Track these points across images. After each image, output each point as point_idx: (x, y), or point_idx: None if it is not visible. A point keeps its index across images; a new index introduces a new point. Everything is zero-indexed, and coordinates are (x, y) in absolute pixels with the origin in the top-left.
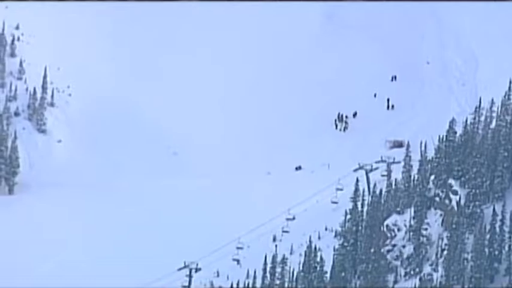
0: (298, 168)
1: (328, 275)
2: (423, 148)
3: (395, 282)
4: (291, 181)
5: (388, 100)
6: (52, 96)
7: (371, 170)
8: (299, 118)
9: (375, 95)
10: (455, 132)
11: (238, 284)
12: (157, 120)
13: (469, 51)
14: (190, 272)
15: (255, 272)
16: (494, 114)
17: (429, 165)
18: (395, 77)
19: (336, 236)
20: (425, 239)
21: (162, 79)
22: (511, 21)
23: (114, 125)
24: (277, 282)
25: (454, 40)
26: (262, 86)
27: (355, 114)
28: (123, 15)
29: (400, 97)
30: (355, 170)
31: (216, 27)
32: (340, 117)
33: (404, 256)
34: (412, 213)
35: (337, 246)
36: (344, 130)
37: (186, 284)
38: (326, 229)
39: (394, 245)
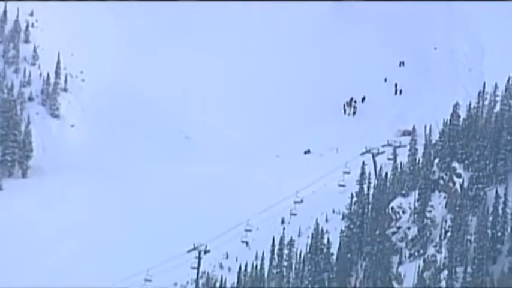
0: (307, 152)
1: (334, 256)
2: (428, 132)
3: (400, 263)
4: (300, 164)
5: (396, 85)
6: (65, 81)
7: (377, 154)
8: (308, 103)
9: (385, 80)
10: (459, 116)
11: (246, 266)
12: (169, 104)
13: (477, 38)
14: (199, 253)
15: (263, 254)
16: (498, 99)
17: (434, 149)
18: (403, 63)
19: (342, 218)
20: (429, 221)
21: (174, 65)
22: None
23: (126, 109)
24: (285, 263)
25: (462, 27)
26: (273, 72)
27: (363, 99)
28: (136, 2)
29: (408, 82)
30: (362, 154)
31: (229, 14)
32: (348, 102)
33: (409, 238)
34: (417, 196)
35: (343, 229)
36: (353, 115)
37: (195, 265)
38: (333, 212)
39: (399, 227)
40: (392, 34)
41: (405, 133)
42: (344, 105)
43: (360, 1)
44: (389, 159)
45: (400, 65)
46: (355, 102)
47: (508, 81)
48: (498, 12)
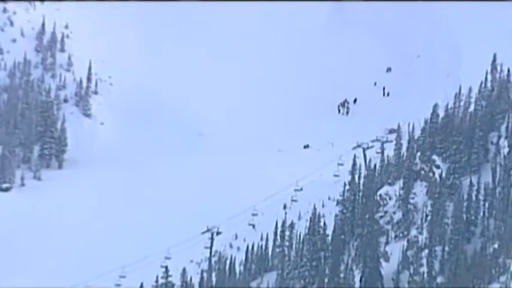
0: (306, 146)
1: (329, 237)
2: (411, 129)
3: (387, 243)
4: (300, 157)
5: (384, 88)
6: (96, 85)
7: (367, 148)
8: (307, 103)
9: (375, 84)
10: (438, 115)
11: (253, 245)
12: (184, 104)
13: (455, 47)
14: (212, 235)
15: (267, 235)
16: (472, 100)
17: (416, 144)
18: (390, 69)
19: (337, 204)
20: (412, 206)
21: (189, 69)
22: (495, 20)
23: (147, 109)
24: (287, 243)
25: (442, 36)
26: (275, 74)
27: (355, 101)
28: (156, 14)
29: (394, 86)
30: (354, 148)
31: (232, 14)
32: (342, 103)
33: (395, 221)
34: (401, 185)
35: (337, 213)
36: (346, 114)
37: (209, 245)
38: (329, 198)
39: (385, 212)
40: (382, 43)
41: (391, 131)
42: (338, 106)
43: (354, 6)
44: (377, 152)
45: (387, 70)
46: (348, 103)
47: (481, 85)
48: (475, 23)
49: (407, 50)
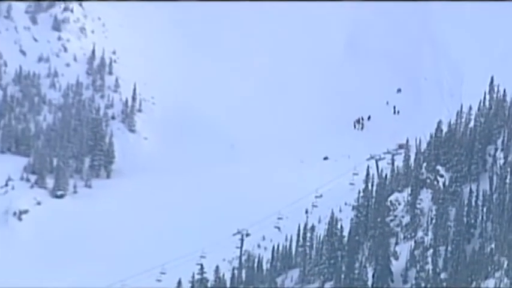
0: (326, 158)
1: (346, 239)
2: (418, 143)
3: (396, 243)
4: (320, 168)
5: (394, 107)
6: (140, 104)
7: (379, 159)
8: (327, 120)
9: (387, 103)
10: (442, 131)
11: (278, 246)
12: (220, 120)
13: (457, 70)
14: (242, 236)
15: (291, 237)
16: (472, 117)
17: (422, 156)
18: (400, 90)
19: (352, 209)
20: (419, 211)
21: (223, 86)
22: (492, 45)
23: (187, 125)
24: (308, 244)
25: (445, 61)
26: (299, 94)
27: (369, 118)
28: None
29: (404, 105)
30: (368, 159)
31: (262, 43)
32: (357, 120)
33: (403, 224)
34: (409, 192)
35: (353, 217)
36: (361, 129)
37: (239, 245)
38: (345, 204)
39: (395, 216)
40: (392, 67)
41: (401, 146)
42: (354, 122)
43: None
44: (388, 163)
45: (397, 91)
46: (362, 119)
47: (480, 104)
48: (474, 49)
49: (415, 73)
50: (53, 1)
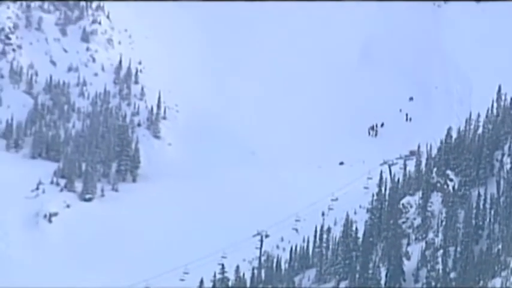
0: (341, 163)
1: (360, 240)
2: (429, 148)
3: (408, 244)
4: (336, 172)
5: (406, 114)
6: (164, 112)
7: (392, 164)
8: (342, 127)
9: (400, 110)
10: (452, 137)
11: (296, 247)
12: (241, 127)
13: (466, 79)
14: (261, 237)
15: (308, 238)
16: (480, 124)
17: (433, 161)
18: (412, 98)
19: (366, 212)
20: (429, 213)
21: (244, 94)
22: (499, 56)
23: (209, 132)
24: (324, 245)
25: (454, 71)
26: (316, 102)
27: (382, 125)
28: (216, 46)
29: (416, 112)
30: (381, 164)
31: (280, 52)
32: (371, 127)
33: (415, 226)
34: (420, 195)
35: (367, 219)
36: (375, 136)
37: (259, 246)
38: (360, 207)
39: (407, 218)
40: (405, 77)
41: (412, 153)
42: (368, 129)
43: (381, 45)
44: (400, 168)
45: (410, 99)
46: (376, 126)
47: (488, 111)
48: (481, 60)
49: (427, 82)
50: (75, 0)
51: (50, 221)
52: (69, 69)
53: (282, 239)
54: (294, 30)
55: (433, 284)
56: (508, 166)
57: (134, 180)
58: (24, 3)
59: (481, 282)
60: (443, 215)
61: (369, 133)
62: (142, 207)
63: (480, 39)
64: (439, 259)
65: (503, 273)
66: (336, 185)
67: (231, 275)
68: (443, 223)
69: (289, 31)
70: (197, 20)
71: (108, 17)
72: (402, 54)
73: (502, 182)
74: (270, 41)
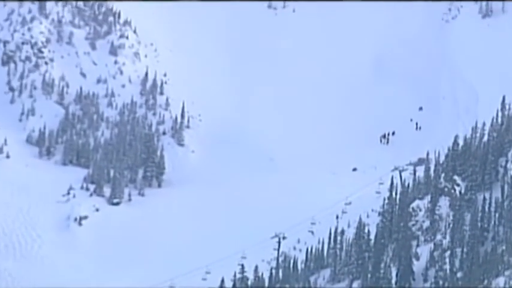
0: (354, 169)
1: (372, 241)
2: (437, 155)
3: (418, 245)
4: (349, 178)
5: (416, 123)
6: (188, 121)
7: (403, 170)
8: (356, 135)
9: (411, 120)
10: (458, 144)
11: (312, 248)
12: (260, 135)
13: (472, 90)
14: (279, 239)
15: (323, 240)
16: (485, 132)
17: (441, 167)
18: (421, 108)
19: (378, 215)
20: (437, 216)
21: (263, 104)
22: (506, 66)
23: (230, 140)
24: (338, 246)
25: (461, 82)
26: (331, 112)
27: (393, 133)
28: (236, 60)
29: (425, 121)
30: (392, 170)
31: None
32: (383, 135)
33: (424, 228)
34: (429, 199)
35: (378, 222)
36: (386, 143)
37: (277, 247)
38: (372, 210)
39: (416, 221)
40: (415, 88)
41: (420, 160)
42: (380, 137)
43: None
44: (410, 174)
45: (419, 109)
46: (388, 135)
47: (492, 120)
48: (486, 72)
49: (435, 93)
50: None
51: (80, 223)
52: (98, 81)
53: (299, 241)
54: (311, 43)
55: (441, 283)
56: None
57: (159, 186)
58: (55, 19)
59: (486, 281)
60: (451, 218)
61: (381, 141)
62: (167, 211)
63: (485, 52)
64: (447, 259)
65: (507, 273)
66: (350, 189)
67: (250, 274)
68: (451, 225)
69: (306, 45)
70: (218, 35)
71: (135, 31)
72: (412, 67)
73: (506, 186)
74: (288, 55)
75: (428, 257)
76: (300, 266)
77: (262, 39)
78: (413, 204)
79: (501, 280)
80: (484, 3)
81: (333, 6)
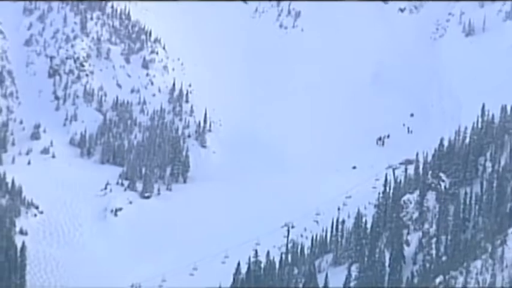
0: (354, 167)
1: (369, 230)
2: (425, 155)
3: (408, 233)
4: (349, 175)
5: (408, 128)
6: (210, 125)
7: (396, 168)
8: (355, 137)
9: (404, 125)
10: (444, 145)
11: (316, 235)
12: (274, 138)
13: (457, 99)
14: (288, 228)
15: (326, 228)
16: (467, 135)
17: (428, 165)
18: (412, 114)
19: (374, 207)
20: (425, 208)
21: (276, 109)
22: (486, 79)
23: (247, 142)
24: (339, 234)
25: (448, 93)
26: (333, 117)
27: (388, 136)
28: (252, 72)
29: (415, 126)
30: (387, 168)
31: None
32: (379, 138)
33: (413, 218)
34: (418, 193)
35: (374, 213)
36: (382, 145)
37: (286, 235)
38: (369, 203)
39: (407, 212)
40: (407, 97)
41: (409, 161)
42: (377, 139)
43: (389, 70)
44: (402, 171)
45: (411, 115)
46: (383, 137)
47: (473, 125)
48: (471, 82)
49: (425, 101)
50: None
51: (115, 215)
52: (132, 91)
53: (305, 229)
54: (317, 58)
55: (428, 265)
56: (490, 170)
57: (185, 182)
58: (95, 37)
59: (465, 263)
60: (437, 209)
61: (377, 143)
62: (191, 203)
63: (468, 66)
64: (433, 245)
65: (484, 256)
66: (349, 185)
67: (263, 258)
68: (437, 216)
69: (313, 59)
70: (237, 51)
71: (164, 48)
72: (405, 79)
73: (484, 182)
74: (297, 68)
75: (417, 243)
76: (306, 251)
77: (275, 54)
78: (405, 198)
79: (478, 263)
80: (467, 23)
81: (337, 26)
